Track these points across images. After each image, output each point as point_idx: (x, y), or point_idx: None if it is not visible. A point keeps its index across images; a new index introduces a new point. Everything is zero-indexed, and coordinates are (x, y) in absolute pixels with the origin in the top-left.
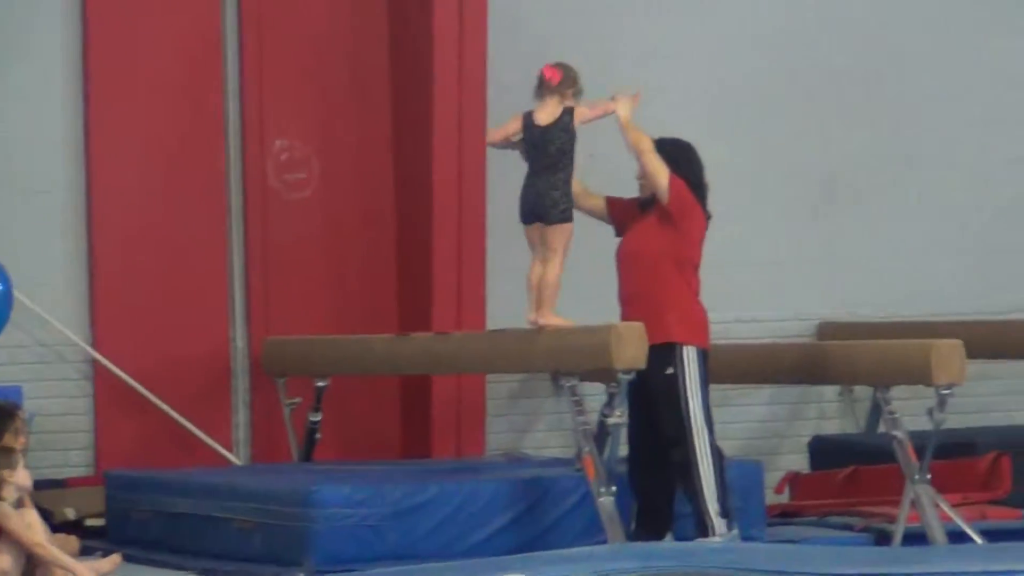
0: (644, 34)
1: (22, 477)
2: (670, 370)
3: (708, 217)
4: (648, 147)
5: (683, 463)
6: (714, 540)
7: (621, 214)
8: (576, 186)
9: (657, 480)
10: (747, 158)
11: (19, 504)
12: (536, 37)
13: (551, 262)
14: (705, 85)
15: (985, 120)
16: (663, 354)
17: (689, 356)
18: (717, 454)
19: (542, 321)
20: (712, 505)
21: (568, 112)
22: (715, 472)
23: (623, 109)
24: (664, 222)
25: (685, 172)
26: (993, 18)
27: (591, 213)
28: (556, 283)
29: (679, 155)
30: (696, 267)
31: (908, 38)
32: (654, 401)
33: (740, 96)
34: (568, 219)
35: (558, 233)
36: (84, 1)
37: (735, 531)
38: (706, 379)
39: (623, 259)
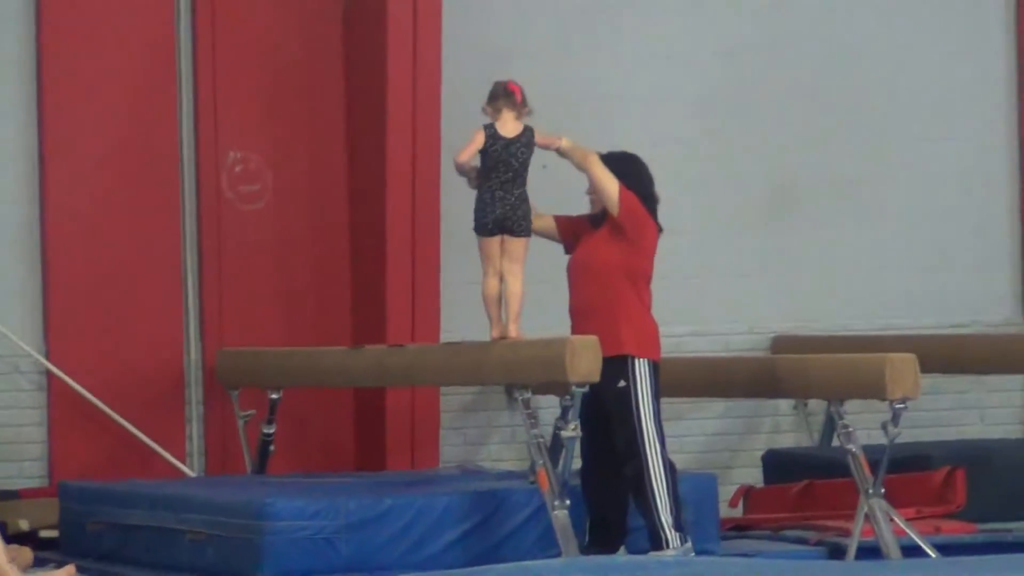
0: (599, 45)
1: None
2: (622, 383)
3: (660, 230)
4: (595, 160)
5: (636, 476)
6: (668, 553)
7: (570, 231)
8: None
9: (610, 493)
10: (699, 170)
11: None
12: (490, 49)
13: (515, 275)
14: (658, 96)
15: (937, 134)
16: (615, 367)
17: (642, 370)
18: (669, 467)
19: (514, 335)
20: (665, 518)
21: (530, 130)
22: (668, 485)
23: (565, 140)
24: (616, 235)
25: (634, 185)
26: (944, 33)
27: (541, 233)
28: (522, 295)
29: (627, 168)
30: (648, 280)
31: (861, 52)
32: (607, 414)
33: (694, 108)
34: (530, 233)
35: (523, 246)
36: (38, 14)
37: (688, 544)
38: (658, 392)
39: (574, 272)
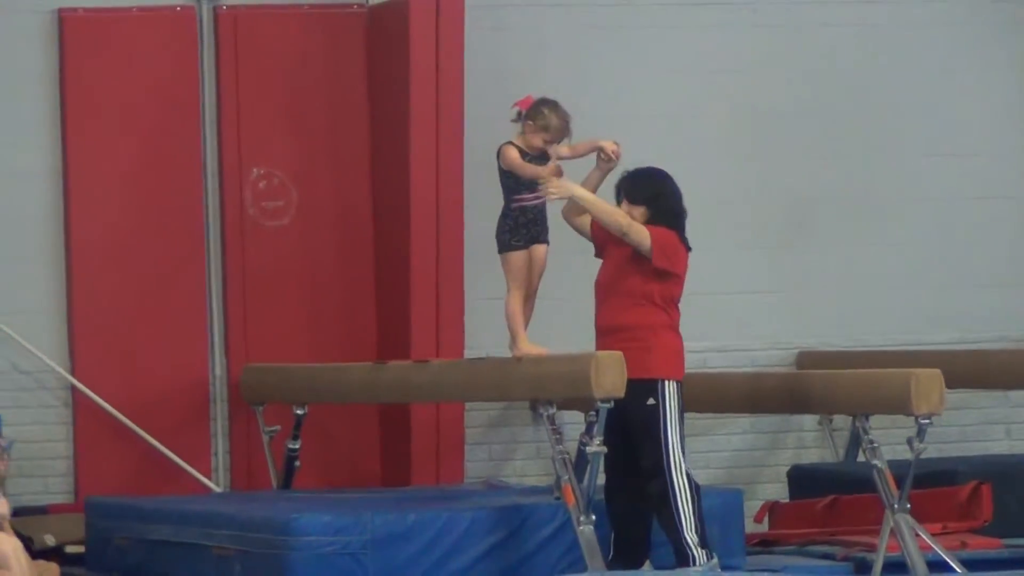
0: (617, 63)
1: (1, 505)
2: (651, 401)
3: (688, 249)
4: (622, 216)
5: (661, 494)
6: (695, 570)
7: (602, 235)
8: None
9: (634, 509)
10: (722, 187)
11: None
12: (512, 68)
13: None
14: (678, 114)
15: (960, 150)
16: (644, 387)
17: (670, 390)
18: (693, 484)
19: (516, 352)
20: (691, 536)
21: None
22: (693, 502)
23: (578, 189)
24: (646, 263)
25: (664, 204)
26: (959, 54)
27: (579, 229)
28: (509, 314)
29: (656, 187)
30: (678, 300)
31: (881, 68)
32: (633, 432)
33: (713, 125)
34: (501, 250)
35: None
36: (61, 33)
37: (715, 560)
38: (683, 410)
39: (602, 291)
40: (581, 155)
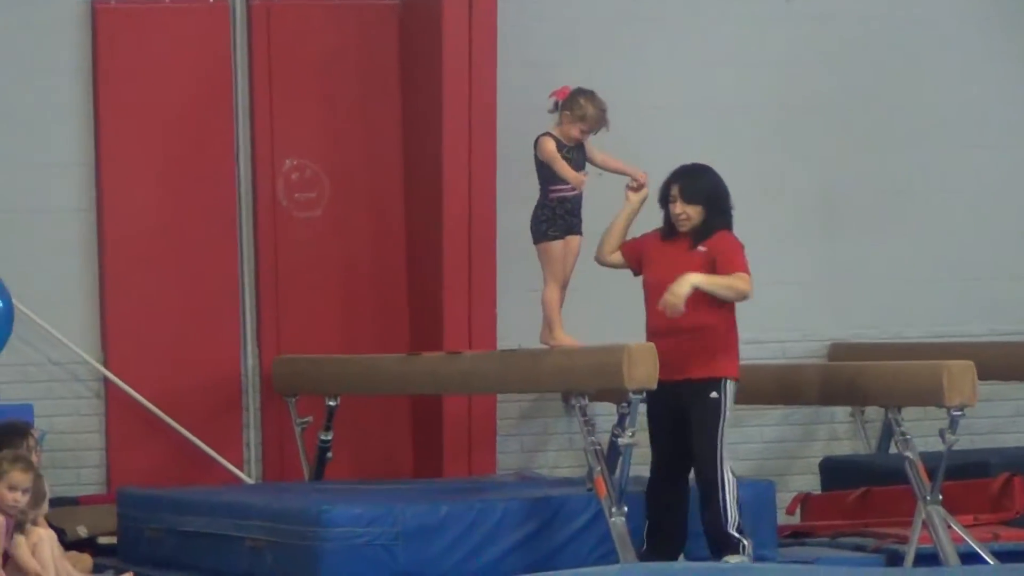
0: (648, 56)
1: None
2: (714, 394)
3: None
4: (741, 282)
5: (708, 487)
6: (734, 559)
7: (635, 258)
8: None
9: (676, 501)
10: (754, 179)
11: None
12: (544, 58)
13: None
14: (712, 105)
15: (990, 142)
16: (709, 385)
17: (730, 388)
18: (735, 479)
19: (551, 342)
20: (732, 527)
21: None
22: (736, 495)
23: (690, 281)
24: (712, 267)
25: (720, 203)
26: (992, 47)
27: (615, 266)
28: (546, 303)
29: (712, 186)
30: None
31: (913, 59)
32: (691, 424)
33: (746, 117)
34: (537, 240)
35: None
36: (93, 23)
37: (749, 551)
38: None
39: (661, 291)
40: (611, 170)
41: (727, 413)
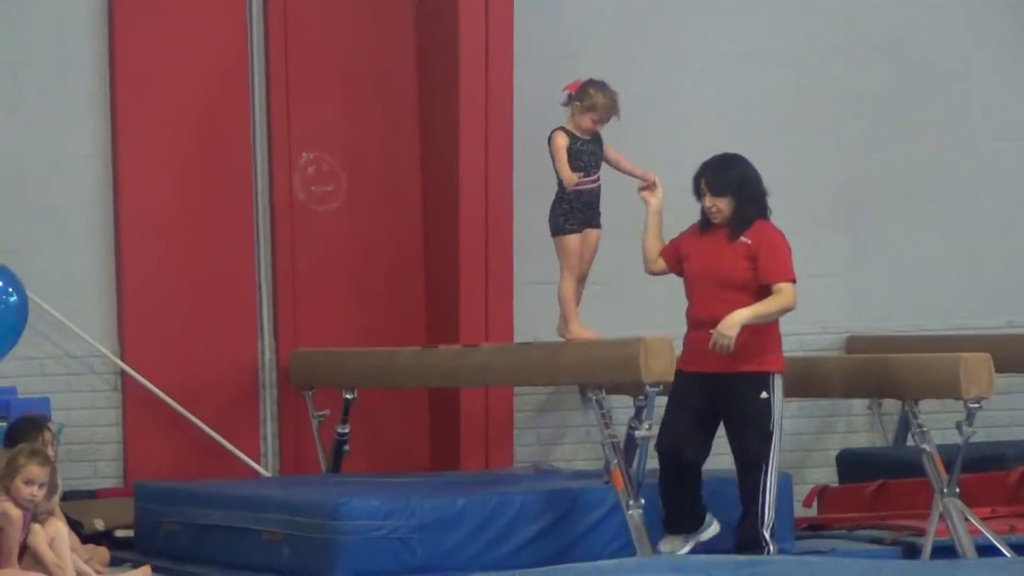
0: (669, 47)
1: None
2: (764, 395)
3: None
4: (785, 299)
5: (753, 485)
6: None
7: (675, 258)
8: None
9: (688, 491)
10: (773, 171)
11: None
12: (562, 51)
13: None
14: (730, 98)
15: (1011, 135)
16: (757, 380)
17: (778, 383)
18: (778, 477)
19: (567, 335)
20: (767, 526)
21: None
22: (776, 497)
23: (737, 317)
24: (755, 261)
25: (749, 191)
26: (1018, 33)
27: (663, 273)
28: (562, 296)
29: (739, 175)
30: None
31: (933, 52)
32: (738, 423)
33: (766, 109)
34: (554, 233)
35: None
36: (111, 16)
37: (773, 553)
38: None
39: (704, 284)
40: (622, 170)
41: (778, 412)
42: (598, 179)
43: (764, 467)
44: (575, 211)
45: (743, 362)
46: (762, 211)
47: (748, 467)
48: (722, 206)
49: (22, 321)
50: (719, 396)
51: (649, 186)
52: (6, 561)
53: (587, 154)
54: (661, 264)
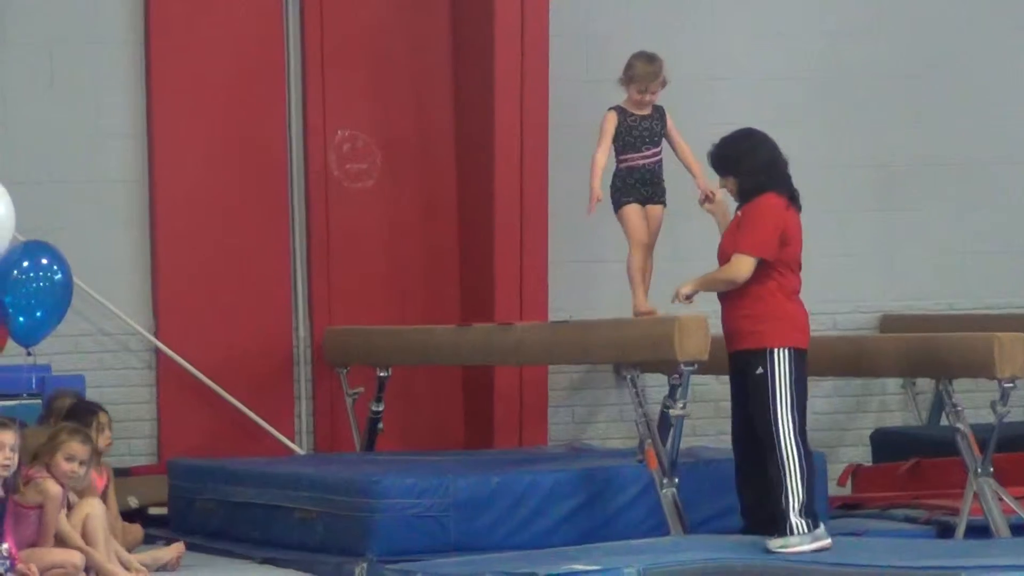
0: (703, 25)
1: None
2: (760, 371)
3: (798, 208)
4: (724, 273)
5: (772, 462)
6: (792, 541)
7: (725, 250)
8: None
9: (761, 480)
10: (806, 150)
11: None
12: (597, 29)
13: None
14: (763, 77)
15: None
16: (756, 356)
17: (780, 357)
18: (805, 455)
19: (640, 310)
20: (793, 505)
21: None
22: (801, 473)
23: (686, 287)
24: None
25: (750, 165)
26: None
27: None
28: (629, 269)
29: (737, 152)
30: (795, 265)
31: (967, 32)
32: (745, 399)
33: (800, 88)
34: (615, 209)
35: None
36: None
37: (820, 530)
38: (801, 379)
39: (720, 259)
40: (681, 160)
41: (783, 387)
42: (654, 155)
43: (776, 445)
44: (629, 187)
45: (741, 340)
46: (764, 185)
47: (760, 446)
48: (730, 186)
49: (67, 299)
50: (743, 371)
51: (708, 198)
52: (45, 538)
53: (639, 130)
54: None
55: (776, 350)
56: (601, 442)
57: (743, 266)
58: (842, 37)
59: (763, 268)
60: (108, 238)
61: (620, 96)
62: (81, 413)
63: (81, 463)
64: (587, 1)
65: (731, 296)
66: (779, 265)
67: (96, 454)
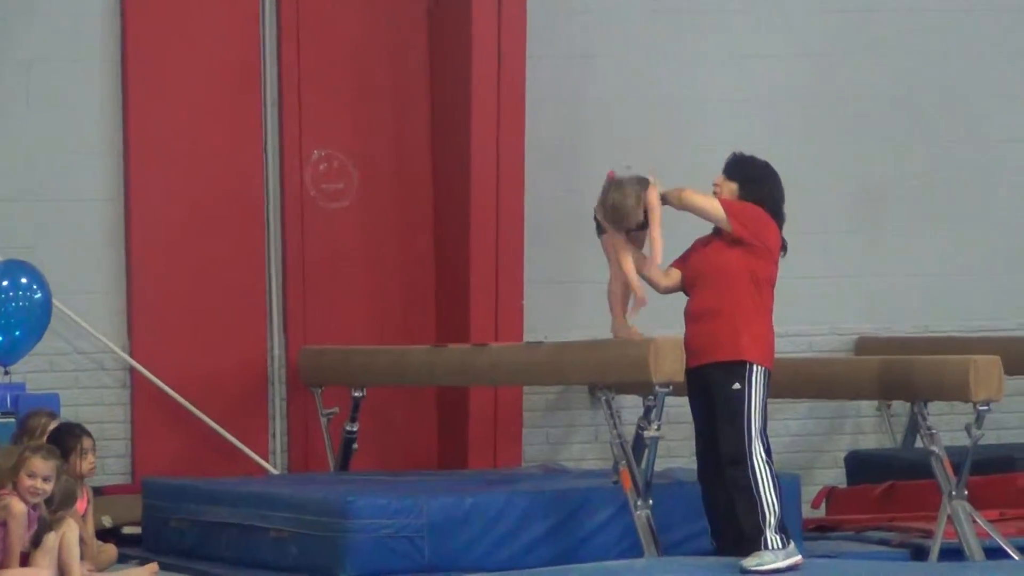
0: (683, 46)
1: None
2: (737, 386)
3: (783, 248)
4: (688, 193)
5: (741, 482)
6: (767, 556)
7: (690, 273)
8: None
9: (728, 501)
10: (785, 171)
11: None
12: (575, 47)
13: None
14: (743, 97)
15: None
16: (732, 370)
17: (757, 375)
18: (773, 472)
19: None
20: (770, 521)
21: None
22: (774, 490)
23: (653, 193)
24: (737, 242)
25: (757, 188)
26: None
27: (677, 290)
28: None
29: (756, 172)
30: (772, 283)
31: (949, 52)
32: (717, 416)
33: (779, 109)
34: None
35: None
36: (123, 10)
37: (792, 546)
38: (766, 401)
39: (696, 277)
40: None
41: (755, 404)
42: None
43: (744, 464)
44: None
45: (716, 351)
46: (761, 205)
47: (727, 462)
48: (726, 189)
49: (46, 317)
50: (710, 387)
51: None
52: (10, 557)
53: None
54: (678, 276)
55: (754, 365)
56: (576, 463)
57: (716, 206)
58: (823, 58)
59: (748, 282)
60: (83, 256)
61: (599, 118)
62: (64, 437)
63: (45, 479)
64: (566, 21)
65: (711, 311)
66: (765, 283)
67: (79, 477)
